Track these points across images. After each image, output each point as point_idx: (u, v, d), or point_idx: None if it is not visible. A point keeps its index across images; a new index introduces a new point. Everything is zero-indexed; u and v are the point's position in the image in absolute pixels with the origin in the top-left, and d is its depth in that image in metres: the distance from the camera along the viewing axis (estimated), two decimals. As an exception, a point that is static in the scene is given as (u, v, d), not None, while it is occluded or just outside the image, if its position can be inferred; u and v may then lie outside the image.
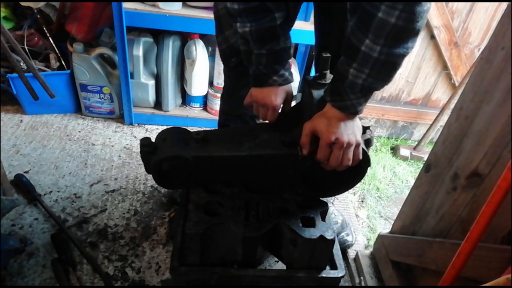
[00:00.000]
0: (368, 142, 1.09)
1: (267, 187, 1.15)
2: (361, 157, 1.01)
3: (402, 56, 0.87)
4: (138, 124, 2.31)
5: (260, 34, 1.05)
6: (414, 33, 0.85)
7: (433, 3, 2.03)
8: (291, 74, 1.16)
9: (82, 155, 2.01)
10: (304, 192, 1.12)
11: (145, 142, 1.08)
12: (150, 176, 1.52)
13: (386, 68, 0.89)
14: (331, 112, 0.97)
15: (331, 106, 0.97)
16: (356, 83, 0.91)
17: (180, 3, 1.93)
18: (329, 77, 1.07)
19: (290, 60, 1.16)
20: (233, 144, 1.08)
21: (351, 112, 0.95)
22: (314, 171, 1.05)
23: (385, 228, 1.88)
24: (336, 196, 1.43)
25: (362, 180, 2.14)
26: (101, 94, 2.22)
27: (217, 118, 2.36)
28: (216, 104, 2.27)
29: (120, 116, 2.33)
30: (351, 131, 0.97)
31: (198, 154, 1.05)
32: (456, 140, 1.17)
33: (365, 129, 1.05)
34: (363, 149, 1.01)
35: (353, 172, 1.06)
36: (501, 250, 0.96)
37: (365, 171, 1.07)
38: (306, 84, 1.11)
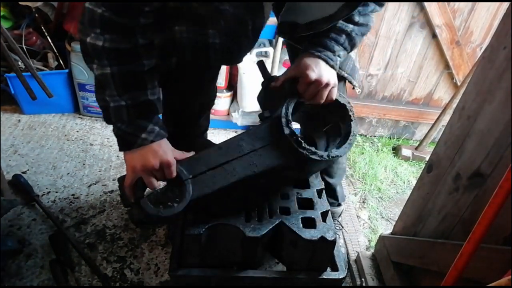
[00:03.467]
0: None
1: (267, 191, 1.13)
2: (334, 97, 1.08)
3: (372, 19, 1.10)
4: (137, 124, 2.30)
5: (122, 78, 0.88)
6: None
7: (435, 2, 2.04)
8: (163, 128, 0.96)
9: (80, 155, 1.99)
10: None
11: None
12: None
13: (364, 34, 1.08)
14: (313, 61, 1.04)
15: (314, 57, 1.04)
16: (343, 31, 1.04)
17: (179, 2, 1.91)
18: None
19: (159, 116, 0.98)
20: (223, 171, 0.97)
21: (332, 64, 1.04)
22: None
23: (386, 229, 1.87)
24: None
25: (364, 181, 2.15)
26: (100, 94, 2.20)
27: (217, 117, 2.36)
28: (216, 104, 2.25)
29: (119, 116, 2.32)
30: (330, 73, 1.05)
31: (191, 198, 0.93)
32: (458, 140, 1.15)
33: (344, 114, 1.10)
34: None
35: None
36: (503, 251, 0.95)
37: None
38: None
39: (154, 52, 0.95)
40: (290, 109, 1.02)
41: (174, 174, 0.93)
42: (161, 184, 0.96)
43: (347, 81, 1.32)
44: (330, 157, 0.96)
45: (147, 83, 0.92)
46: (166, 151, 0.94)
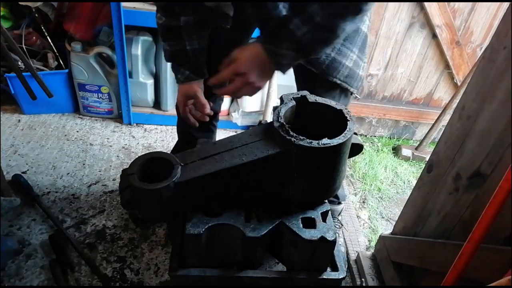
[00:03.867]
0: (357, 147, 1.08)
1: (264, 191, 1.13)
2: (251, 95, 1.05)
3: (339, 25, 0.91)
4: (136, 123, 2.30)
5: (164, 28, 1.19)
6: (360, 12, 0.89)
7: (435, 2, 2.04)
8: (198, 72, 1.24)
9: (80, 155, 1.99)
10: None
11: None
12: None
13: (324, 34, 0.93)
14: (259, 52, 0.98)
15: (261, 48, 0.97)
16: (294, 34, 0.92)
17: (179, 2, 1.92)
18: None
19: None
20: (212, 160, 1.02)
21: (276, 61, 0.97)
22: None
23: (386, 229, 1.87)
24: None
25: (364, 181, 2.15)
26: (99, 94, 2.21)
27: (216, 117, 2.36)
28: (215, 103, 2.25)
29: (118, 116, 2.32)
30: (265, 76, 1.01)
31: (180, 180, 0.97)
32: (458, 140, 1.15)
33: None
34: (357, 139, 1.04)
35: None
36: (503, 251, 0.95)
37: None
38: None
39: (189, 9, 1.11)
40: (283, 110, 1.03)
41: (204, 102, 1.23)
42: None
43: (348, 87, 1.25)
44: (320, 145, 0.95)
45: (183, 35, 1.18)
46: (192, 90, 1.24)
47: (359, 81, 1.25)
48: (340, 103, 1.13)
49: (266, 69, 1.00)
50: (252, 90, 1.03)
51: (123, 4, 1.82)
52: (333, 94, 1.26)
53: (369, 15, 1.19)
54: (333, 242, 1.02)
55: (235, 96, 1.12)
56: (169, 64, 2.07)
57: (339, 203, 1.70)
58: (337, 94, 1.27)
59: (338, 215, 1.76)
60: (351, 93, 1.28)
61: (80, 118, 2.29)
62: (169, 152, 1.20)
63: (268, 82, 1.28)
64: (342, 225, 1.78)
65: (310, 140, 0.95)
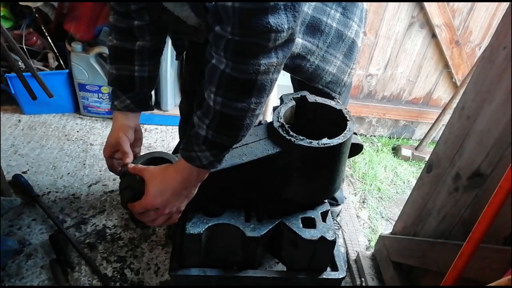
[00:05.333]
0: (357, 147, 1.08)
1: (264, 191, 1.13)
2: (175, 221, 0.95)
3: (243, 111, 0.77)
4: (137, 124, 2.30)
5: (115, 51, 1.07)
6: (256, 86, 0.74)
7: (434, 2, 2.04)
8: (140, 104, 1.11)
9: (80, 155, 2.00)
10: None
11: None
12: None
13: (227, 122, 0.79)
14: (179, 166, 0.88)
15: (180, 156, 0.88)
16: (199, 134, 0.81)
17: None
18: None
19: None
20: None
21: (198, 164, 0.84)
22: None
23: (386, 229, 1.87)
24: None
25: (363, 181, 2.15)
26: (99, 94, 2.21)
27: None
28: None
29: (119, 116, 2.32)
30: (182, 200, 0.90)
31: None
32: (458, 140, 1.16)
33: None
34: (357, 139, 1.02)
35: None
36: (503, 251, 0.96)
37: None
38: None
39: (149, 33, 1.06)
40: (283, 110, 1.04)
41: (127, 151, 1.06)
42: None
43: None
44: (320, 145, 0.95)
45: (135, 61, 1.07)
46: (122, 126, 1.10)
47: (342, 86, 1.18)
48: None
49: (187, 186, 0.88)
50: (174, 217, 0.94)
51: (123, 4, 1.82)
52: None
53: (357, 20, 1.11)
54: (333, 242, 1.02)
55: (152, 224, 0.95)
56: (169, 64, 2.11)
57: (337, 204, 1.71)
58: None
59: (337, 216, 1.77)
60: (333, 98, 1.20)
61: (81, 118, 2.30)
62: (169, 152, 1.20)
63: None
64: (340, 226, 1.78)
65: (310, 140, 0.95)
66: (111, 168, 1.13)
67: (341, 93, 1.20)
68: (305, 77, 1.10)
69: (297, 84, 1.27)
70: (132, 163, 1.00)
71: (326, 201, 1.15)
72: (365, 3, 1.16)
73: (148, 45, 1.07)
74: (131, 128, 1.11)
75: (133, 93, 1.09)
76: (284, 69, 0.92)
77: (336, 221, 1.76)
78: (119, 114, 1.11)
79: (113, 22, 1.05)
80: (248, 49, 0.70)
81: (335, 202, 1.68)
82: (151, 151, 1.45)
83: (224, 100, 0.75)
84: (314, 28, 1.03)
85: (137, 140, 1.15)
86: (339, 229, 1.77)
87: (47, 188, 1.77)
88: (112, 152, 1.10)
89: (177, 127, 2.31)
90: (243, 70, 0.72)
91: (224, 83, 0.74)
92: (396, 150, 2.46)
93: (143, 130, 2.25)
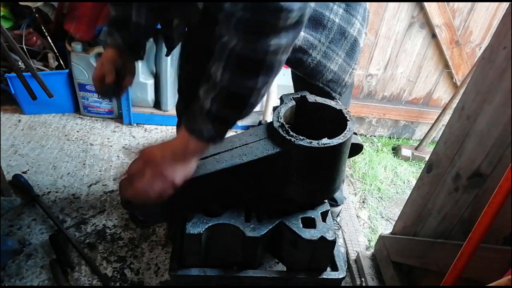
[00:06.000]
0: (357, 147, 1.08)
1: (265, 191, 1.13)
2: (168, 194, 0.89)
3: (249, 89, 0.78)
4: (137, 124, 2.30)
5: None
6: (264, 66, 0.75)
7: (434, 2, 2.04)
8: (130, 46, 1.13)
9: (80, 155, 2.00)
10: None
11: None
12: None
13: (232, 98, 0.80)
14: (181, 135, 0.87)
15: (183, 126, 0.87)
16: (203, 107, 0.82)
17: (179, 2, 1.92)
18: None
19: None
20: (212, 159, 1.01)
21: (199, 136, 0.84)
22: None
23: (386, 229, 1.87)
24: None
25: (363, 181, 2.15)
26: (100, 94, 2.21)
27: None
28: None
29: (118, 116, 2.32)
30: (178, 167, 0.86)
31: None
32: (458, 140, 1.16)
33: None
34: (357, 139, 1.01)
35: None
36: (503, 251, 0.95)
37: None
38: None
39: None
40: (283, 110, 1.03)
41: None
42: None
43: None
44: (320, 145, 0.95)
45: (133, 5, 1.05)
46: (107, 58, 1.12)
47: (343, 87, 1.18)
48: None
49: (186, 154, 0.87)
50: (167, 185, 0.87)
51: (123, 4, 1.82)
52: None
53: (360, 19, 1.10)
54: (333, 242, 1.02)
55: (145, 196, 0.87)
56: (169, 64, 2.11)
57: (337, 205, 1.71)
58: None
59: (337, 216, 1.77)
60: (333, 98, 1.19)
61: (81, 118, 2.30)
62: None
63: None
64: (340, 226, 1.78)
65: (310, 140, 0.95)
66: (100, 91, 1.18)
67: (341, 94, 1.19)
68: (305, 72, 1.10)
69: (298, 83, 1.26)
70: (131, 163, 1.00)
71: (326, 201, 1.15)
72: (366, 4, 1.15)
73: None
74: (118, 60, 1.14)
75: (127, 33, 1.09)
76: (286, 63, 0.91)
77: (336, 221, 1.76)
78: (110, 50, 1.12)
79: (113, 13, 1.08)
80: (258, 27, 0.71)
81: (334, 203, 1.68)
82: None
83: (232, 76, 0.76)
84: (316, 22, 1.02)
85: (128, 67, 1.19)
86: (339, 229, 1.77)
87: (47, 188, 1.77)
88: (100, 76, 1.14)
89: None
90: (253, 49, 0.73)
91: (233, 60, 0.75)
92: (396, 150, 2.46)
93: (143, 131, 2.27)
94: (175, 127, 2.31)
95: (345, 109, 1.08)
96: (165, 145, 0.88)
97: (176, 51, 2.07)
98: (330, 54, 1.09)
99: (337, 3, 1.04)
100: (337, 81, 1.15)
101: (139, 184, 0.86)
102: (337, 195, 1.66)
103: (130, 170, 0.90)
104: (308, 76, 1.11)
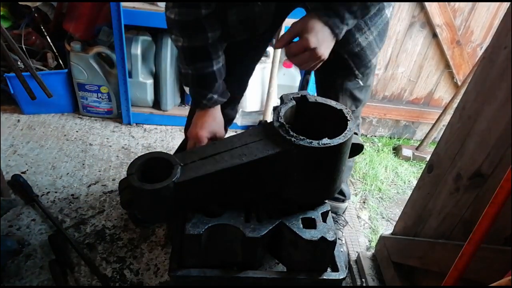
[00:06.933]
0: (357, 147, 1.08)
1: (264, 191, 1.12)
2: (317, 66, 1.02)
3: None
4: (136, 123, 2.30)
5: (189, 51, 1.05)
6: None
7: (435, 2, 2.04)
8: (223, 94, 1.15)
9: (79, 156, 1.99)
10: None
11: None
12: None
13: None
14: (319, 27, 0.98)
15: (321, 22, 0.97)
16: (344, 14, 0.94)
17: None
18: None
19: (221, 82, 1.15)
20: (212, 160, 1.01)
21: (336, 32, 0.98)
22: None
23: (387, 229, 1.86)
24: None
25: (364, 181, 2.15)
26: (99, 94, 2.20)
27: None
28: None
29: (118, 116, 2.32)
30: (328, 47, 0.99)
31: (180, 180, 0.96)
32: (459, 140, 1.15)
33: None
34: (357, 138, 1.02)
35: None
36: (504, 251, 0.95)
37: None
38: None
39: (217, 23, 1.05)
40: (283, 110, 1.03)
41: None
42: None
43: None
44: (320, 145, 0.95)
45: (212, 54, 1.06)
46: (220, 118, 1.16)
47: (367, 67, 1.21)
48: (357, 95, 1.11)
49: (329, 42, 1.00)
50: (319, 63, 1.02)
51: (122, 3, 1.82)
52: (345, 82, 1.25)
53: (391, 9, 1.14)
54: (333, 242, 1.02)
55: (302, 67, 1.04)
56: (168, 63, 2.10)
57: (344, 200, 1.69)
58: (350, 82, 1.25)
59: (343, 213, 1.75)
60: (355, 77, 1.24)
61: (80, 118, 2.29)
62: (172, 152, 1.19)
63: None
64: (347, 222, 1.77)
65: (310, 140, 0.95)
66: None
67: (363, 75, 1.21)
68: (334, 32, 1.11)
69: (321, 71, 1.26)
70: (131, 163, 0.99)
71: (326, 201, 1.15)
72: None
73: (218, 34, 1.07)
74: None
75: (217, 86, 1.12)
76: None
77: (343, 217, 1.75)
78: (210, 109, 1.14)
79: (177, 18, 1.01)
80: None
81: (342, 197, 1.67)
82: (150, 151, 1.45)
83: None
84: None
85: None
86: (345, 225, 1.75)
87: (46, 189, 1.76)
88: (210, 139, 1.15)
89: (177, 127, 2.32)
90: None
91: None
92: (397, 150, 2.46)
93: (142, 131, 2.26)
94: (177, 127, 2.32)
95: (346, 108, 1.08)
96: (318, 32, 0.97)
97: (176, 51, 2.07)
98: (362, 25, 1.11)
99: None
100: (362, 58, 1.17)
101: (299, 61, 0.99)
102: (345, 189, 1.65)
103: (291, 51, 0.99)
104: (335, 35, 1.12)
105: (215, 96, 1.12)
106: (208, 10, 1.01)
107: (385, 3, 1.11)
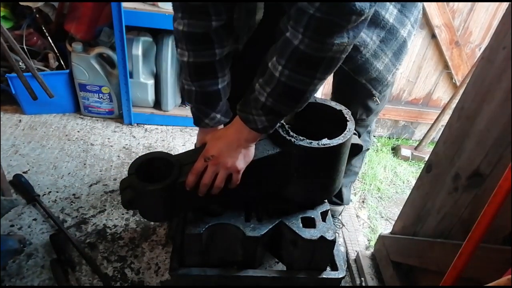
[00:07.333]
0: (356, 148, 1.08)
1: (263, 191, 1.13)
2: (237, 183, 0.95)
3: (306, 84, 0.80)
4: (137, 124, 2.31)
5: (195, 66, 0.99)
6: (324, 63, 0.77)
7: (434, 2, 2.04)
8: (226, 113, 1.10)
9: (81, 155, 2.00)
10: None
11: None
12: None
13: (288, 93, 0.82)
14: (235, 124, 0.92)
15: (237, 115, 0.92)
16: (258, 100, 0.85)
17: (180, 3, 1.92)
18: None
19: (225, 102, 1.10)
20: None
21: (252, 127, 0.89)
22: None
23: (386, 228, 1.87)
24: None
25: (363, 181, 2.15)
26: (100, 94, 2.21)
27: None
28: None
29: (119, 116, 2.33)
30: (236, 155, 0.92)
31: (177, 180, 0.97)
32: (457, 140, 1.16)
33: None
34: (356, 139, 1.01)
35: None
36: (502, 250, 0.96)
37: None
38: None
39: (226, 38, 1.00)
40: None
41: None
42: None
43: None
44: (320, 145, 0.96)
45: (218, 72, 1.01)
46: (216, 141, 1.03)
47: (384, 86, 1.18)
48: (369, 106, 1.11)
49: (240, 142, 0.92)
50: (230, 172, 0.94)
51: (123, 4, 1.82)
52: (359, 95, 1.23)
53: (412, 20, 1.09)
54: (333, 242, 1.03)
55: (216, 187, 0.95)
56: (169, 64, 2.11)
57: (340, 204, 1.71)
58: (363, 95, 1.23)
59: (339, 215, 1.77)
60: (373, 96, 1.21)
61: (81, 118, 2.30)
62: (173, 151, 1.20)
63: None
64: (343, 225, 1.78)
65: (310, 140, 0.96)
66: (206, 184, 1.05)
67: (381, 92, 1.20)
68: (352, 68, 1.09)
69: (340, 77, 1.25)
70: (132, 163, 1.00)
71: (326, 201, 1.15)
72: (421, 5, 1.15)
73: (227, 50, 1.01)
74: None
75: (220, 105, 1.07)
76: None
77: (339, 219, 1.76)
78: (212, 128, 1.09)
79: (185, 29, 0.95)
80: (328, 28, 0.72)
81: (339, 202, 1.68)
82: (151, 151, 1.46)
83: (291, 73, 0.79)
84: (371, 21, 1.00)
85: None
86: (341, 228, 1.77)
87: (47, 188, 1.77)
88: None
89: (178, 127, 2.32)
90: (317, 48, 0.74)
91: (295, 58, 0.77)
92: (395, 150, 2.47)
93: (143, 131, 2.27)
94: (177, 127, 2.32)
95: (345, 109, 1.09)
96: (220, 138, 0.93)
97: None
98: (378, 53, 1.09)
99: (393, 3, 1.04)
100: (380, 80, 1.15)
101: (205, 181, 0.93)
102: (345, 195, 1.66)
103: (193, 170, 0.94)
104: (353, 71, 1.10)
105: (218, 116, 1.07)
106: (219, 23, 0.96)
107: (398, 25, 1.07)
